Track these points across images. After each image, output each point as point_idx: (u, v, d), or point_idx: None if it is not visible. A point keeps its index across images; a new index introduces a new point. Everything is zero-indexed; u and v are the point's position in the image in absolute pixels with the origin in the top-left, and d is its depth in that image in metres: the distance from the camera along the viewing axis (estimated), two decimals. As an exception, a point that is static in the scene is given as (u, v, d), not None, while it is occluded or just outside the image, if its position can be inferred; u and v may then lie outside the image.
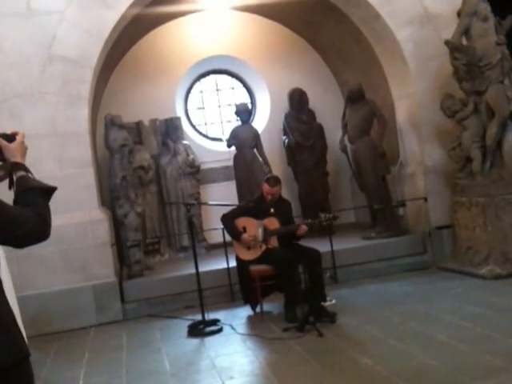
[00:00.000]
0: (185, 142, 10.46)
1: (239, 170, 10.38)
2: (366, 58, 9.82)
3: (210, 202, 9.54)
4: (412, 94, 8.87)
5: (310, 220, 7.11)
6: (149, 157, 9.83)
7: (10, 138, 2.55)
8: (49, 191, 2.47)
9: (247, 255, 7.01)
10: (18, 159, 2.51)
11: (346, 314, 6.59)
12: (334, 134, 10.45)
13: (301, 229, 6.92)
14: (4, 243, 2.38)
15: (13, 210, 2.32)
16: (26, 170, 2.50)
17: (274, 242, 6.98)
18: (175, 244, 10.16)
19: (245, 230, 7.00)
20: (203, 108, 11.69)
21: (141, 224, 9.13)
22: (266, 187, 7.10)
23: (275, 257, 6.79)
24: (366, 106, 9.46)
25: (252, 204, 7.20)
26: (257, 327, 6.58)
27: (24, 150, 2.57)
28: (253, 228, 6.95)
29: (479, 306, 6.29)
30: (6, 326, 2.29)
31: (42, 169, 7.10)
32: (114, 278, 7.82)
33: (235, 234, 7.06)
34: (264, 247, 6.93)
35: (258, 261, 6.95)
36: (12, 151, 2.51)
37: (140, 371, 5.58)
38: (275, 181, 7.18)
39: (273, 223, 7.02)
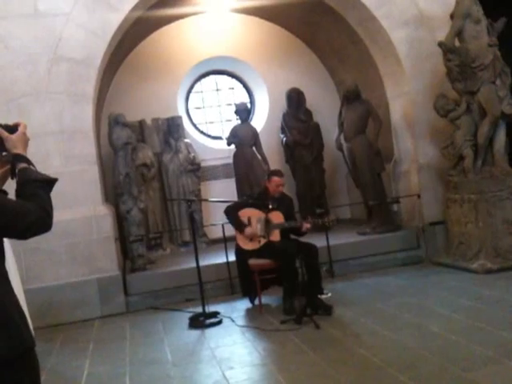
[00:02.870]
0: (186, 140, 10.54)
1: (239, 168, 10.49)
2: (362, 59, 9.91)
3: (211, 199, 9.66)
4: (406, 94, 8.95)
5: (313, 219, 7.12)
6: (151, 154, 9.94)
7: (12, 129, 2.49)
8: (50, 183, 2.44)
9: (248, 245, 7.06)
10: (19, 151, 2.45)
11: (342, 306, 6.67)
12: (330, 132, 10.57)
13: (305, 227, 6.99)
14: (7, 236, 2.38)
15: (14, 203, 2.30)
16: (28, 161, 2.45)
17: (276, 236, 7.02)
18: (177, 239, 10.26)
19: (249, 220, 7.05)
20: (204, 107, 11.78)
21: (143, 219, 9.20)
22: (276, 179, 7.16)
23: (275, 250, 6.87)
24: (362, 106, 9.54)
25: (251, 200, 7.25)
26: (255, 319, 6.67)
27: (26, 141, 2.50)
28: (256, 220, 7.04)
29: (471, 299, 6.36)
30: (10, 317, 2.29)
31: (48, 165, 7.24)
32: (118, 272, 7.90)
33: (238, 225, 7.10)
34: (264, 241, 7.00)
35: (257, 253, 7.02)
36: (14, 142, 2.45)
37: (143, 361, 5.66)
38: (281, 172, 7.36)
39: (277, 217, 7.08)
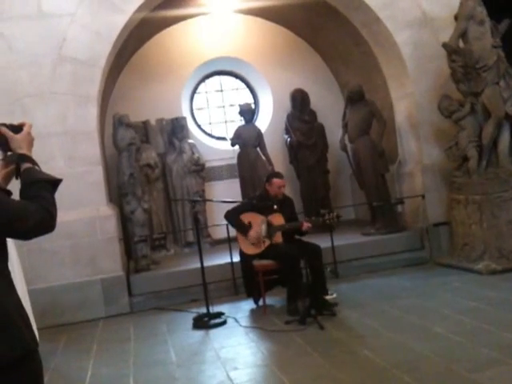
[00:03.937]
0: (190, 140, 10.54)
1: (243, 168, 10.51)
2: (366, 60, 9.93)
3: (215, 199, 9.63)
4: (410, 95, 8.95)
5: (314, 218, 7.19)
6: (155, 155, 9.93)
7: (17, 129, 2.46)
8: (55, 183, 2.42)
9: (251, 249, 7.07)
10: (24, 151, 2.43)
11: (346, 307, 6.67)
12: (334, 133, 10.55)
13: (304, 226, 7.02)
14: (9, 236, 2.35)
15: (16, 204, 2.27)
16: (33, 161, 2.43)
17: (278, 238, 7.04)
18: (181, 239, 10.26)
19: (250, 224, 7.05)
20: (208, 108, 11.80)
21: (147, 220, 9.21)
22: (277, 181, 7.19)
23: (278, 252, 6.87)
24: (366, 107, 9.55)
25: (254, 201, 7.24)
26: (260, 320, 6.67)
27: (31, 141, 2.48)
28: (258, 223, 7.02)
29: (475, 300, 6.35)
30: (11, 318, 2.25)
31: (52, 166, 7.13)
32: (122, 272, 7.90)
33: (242, 228, 7.10)
34: (268, 243, 7.00)
35: (261, 255, 7.03)
36: (18, 142, 2.43)
37: (147, 362, 5.66)
38: (281, 173, 7.42)
39: (278, 219, 7.09)
